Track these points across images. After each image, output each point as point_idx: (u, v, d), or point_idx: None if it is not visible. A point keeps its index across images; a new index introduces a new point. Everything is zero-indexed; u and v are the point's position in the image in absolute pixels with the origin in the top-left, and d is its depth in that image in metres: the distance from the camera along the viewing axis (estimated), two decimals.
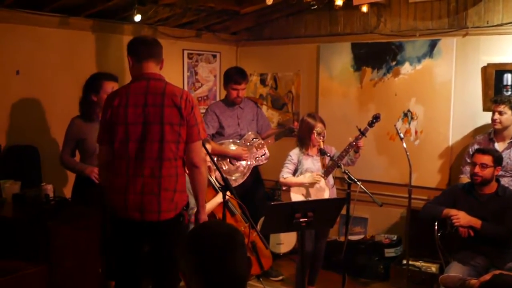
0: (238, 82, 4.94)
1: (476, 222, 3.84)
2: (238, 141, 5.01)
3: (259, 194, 5.25)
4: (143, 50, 3.09)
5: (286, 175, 4.32)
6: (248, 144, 5.03)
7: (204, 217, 3.26)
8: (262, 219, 4.31)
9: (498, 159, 3.93)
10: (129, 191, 2.99)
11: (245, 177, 4.95)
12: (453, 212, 3.95)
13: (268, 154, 5.09)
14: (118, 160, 3.02)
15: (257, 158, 5.05)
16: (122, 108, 3.00)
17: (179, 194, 3.08)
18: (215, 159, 4.78)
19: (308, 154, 4.34)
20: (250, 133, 5.08)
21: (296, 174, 4.34)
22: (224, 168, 4.87)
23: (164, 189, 3.02)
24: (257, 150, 5.03)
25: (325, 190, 4.30)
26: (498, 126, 4.46)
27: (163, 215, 3.02)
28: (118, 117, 2.99)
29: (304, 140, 4.34)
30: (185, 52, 5.74)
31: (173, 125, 2.99)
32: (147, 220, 3.00)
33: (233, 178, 4.87)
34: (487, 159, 3.89)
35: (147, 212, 2.99)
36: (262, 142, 5.06)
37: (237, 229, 1.78)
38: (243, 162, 4.98)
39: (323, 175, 4.24)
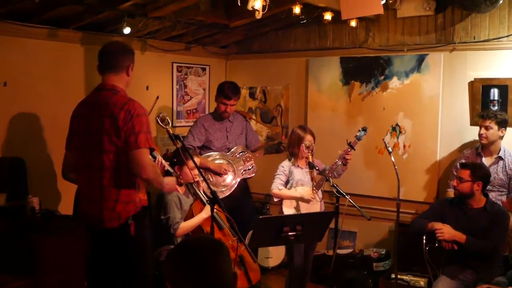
0: (229, 97, 4.94)
1: (461, 237, 3.83)
2: (225, 154, 5.00)
3: (248, 207, 5.23)
4: (104, 61, 3.18)
5: (280, 187, 4.31)
6: (236, 157, 5.02)
7: (171, 188, 3.31)
8: (250, 232, 4.29)
9: (477, 174, 3.89)
10: (83, 198, 3.16)
11: (232, 190, 4.94)
12: (437, 225, 3.95)
13: (256, 167, 5.09)
14: (77, 168, 3.19)
15: (245, 171, 5.04)
16: (75, 118, 3.18)
17: (122, 204, 3.09)
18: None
19: (298, 166, 4.35)
20: (238, 146, 5.08)
21: (288, 186, 4.33)
22: (211, 180, 4.85)
23: (105, 199, 3.08)
24: (244, 163, 5.03)
25: (317, 204, 4.29)
26: (484, 141, 4.49)
27: (107, 224, 3.08)
28: (73, 126, 3.18)
29: (293, 151, 4.35)
30: (175, 65, 5.74)
31: (111, 136, 3.03)
32: (95, 228, 3.11)
33: (219, 189, 4.86)
34: (464, 173, 3.91)
35: (94, 220, 3.10)
36: (250, 155, 5.06)
37: (222, 242, 1.82)
38: (230, 175, 4.96)
39: (315, 189, 4.25)
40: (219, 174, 4.90)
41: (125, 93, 3.19)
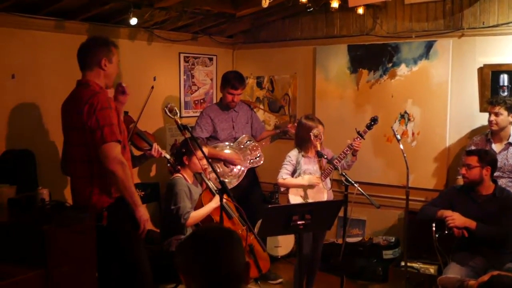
0: (235, 87, 4.96)
1: (471, 223, 3.83)
2: (232, 144, 5.03)
3: (256, 196, 5.26)
4: (79, 60, 3.31)
5: (285, 176, 4.30)
6: (242, 146, 5.04)
7: (141, 215, 3.25)
8: (259, 222, 4.30)
9: (485, 159, 3.90)
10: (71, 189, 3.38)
11: (240, 179, 4.96)
12: (447, 213, 3.94)
13: (263, 156, 5.11)
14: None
15: (252, 161, 5.07)
16: (61, 113, 3.35)
17: (96, 196, 3.20)
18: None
19: (307, 156, 4.33)
20: (244, 135, 5.10)
21: (295, 176, 4.32)
22: (219, 171, 4.87)
23: (79, 190, 3.26)
24: (251, 153, 5.06)
25: (324, 192, 4.28)
26: (494, 128, 4.46)
27: None
28: (62, 124, 3.35)
29: (303, 142, 4.33)
30: (181, 56, 5.73)
31: (78, 130, 3.16)
32: None
33: (227, 180, 4.87)
34: (471, 159, 3.90)
35: None
36: (256, 144, 5.09)
37: (234, 231, 1.82)
38: (238, 166, 4.98)
39: (322, 177, 4.23)
40: (231, 163, 4.92)
41: (99, 87, 3.24)
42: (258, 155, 5.08)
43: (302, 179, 4.26)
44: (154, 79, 5.40)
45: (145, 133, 4.43)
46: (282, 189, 4.42)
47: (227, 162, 4.95)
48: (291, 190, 4.31)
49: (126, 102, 3.60)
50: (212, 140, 5.03)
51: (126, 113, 4.26)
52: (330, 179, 4.39)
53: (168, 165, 4.39)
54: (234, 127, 5.10)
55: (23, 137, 4.28)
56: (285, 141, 5.13)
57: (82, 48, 3.30)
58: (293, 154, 4.36)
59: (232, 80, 4.96)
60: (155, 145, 4.30)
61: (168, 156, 4.32)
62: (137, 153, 4.45)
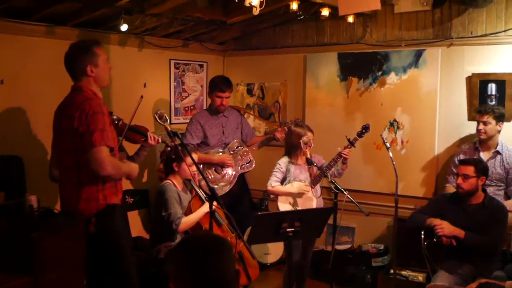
0: (223, 90, 5.00)
1: (460, 232, 3.85)
2: (222, 150, 5.04)
3: (245, 202, 5.29)
4: (67, 70, 3.28)
5: (274, 184, 4.30)
6: (233, 152, 5.05)
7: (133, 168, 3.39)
8: (249, 229, 4.29)
9: (481, 169, 3.93)
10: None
11: (231, 185, 4.97)
12: (436, 221, 3.96)
13: (254, 161, 5.14)
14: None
15: (243, 166, 5.09)
16: (54, 118, 3.32)
17: (84, 202, 3.17)
18: (201, 167, 4.82)
19: (297, 164, 4.33)
20: (234, 141, 5.13)
21: (284, 183, 4.33)
22: (210, 177, 4.89)
23: (67, 196, 3.24)
24: (242, 158, 5.08)
25: (313, 200, 4.29)
26: (483, 136, 4.49)
27: None
28: (53, 126, 3.33)
29: (292, 150, 4.33)
30: (172, 62, 5.73)
31: (69, 135, 3.14)
32: None
33: (219, 186, 4.88)
34: (469, 169, 3.90)
35: None
36: (247, 149, 5.11)
37: (225, 238, 1.82)
38: (229, 171, 4.99)
39: (311, 185, 4.24)
40: (223, 166, 4.95)
41: (93, 93, 3.22)
42: (249, 160, 5.11)
43: (291, 186, 4.27)
44: (145, 85, 5.39)
45: (136, 126, 4.39)
46: (271, 196, 4.41)
47: (219, 166, 4.98)
48: (280, 198, 4.31)
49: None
50: (203, 146, 5.04)
51: (111, 113, 4.21)
52: (320, 186, 4.40)
53: (168, 148, 4.30)
54: (224, 132, 5.11)
55: (12, 142, 4.25)
56: (275, 148, 5.14)
57: (66, 59, 3.26)
58: (283, 161, 4.37)
59: (219, 84, 5.02)
60: (149, 134, 4.23)
61: (167, 141, 4.18)
62: (130, 149, 4.41)
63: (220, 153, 5.01)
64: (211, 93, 5.08)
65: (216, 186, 4.84)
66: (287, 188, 4.28)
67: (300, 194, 4.26)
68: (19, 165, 4.19)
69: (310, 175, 4.25)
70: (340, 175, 4.36)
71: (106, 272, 3.28)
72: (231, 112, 5.28)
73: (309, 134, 4.26)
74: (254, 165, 5.15)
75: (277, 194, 4.32)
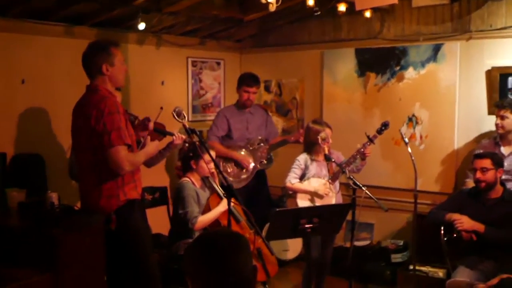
0: (250, 85, 5.16)
1: (480, 227, 3.83)
2: (243, 145, 5.17)
3: (263, 197, 5.40)
4: (84, 69, 3.32)
5: (293, 181, 4.29)
6: (253, 148, 5.14)
7: (154, 147, 3.48)
8: (267, 225, 4.30)
9: (497, 161, 3.91)
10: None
11: (249, 180, 5.09)
12: (456, 216, 3.93)
13: (273, 159, 5.26)
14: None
15: (261, 163, 5.20)
16: (72, 117, 3.35)
17: (105, 199, 3.21)
18: (221, 163, 4.90)
19: (316, 160, 4.33)
20: (256, 138, 5.24)
21: (303, 179, 4.32)
22: (229, 171, 5.02)
23: (89, 195, 3.27)
24: (261, 155, 5.18)
25: (332, 196, 4.28)
26: (501, 131, 4.45)
27: None
28: (72, 128, 3.36)
29: (311, 146, 4.32)
30: (189, 60, 5.76)
31: (86, 134, 3.17)
32: None
33: (240, 179, 4.98)
34: (486, 162, 3.88)
35: None
36: (267, 147, 5.23)
37: (242, 235, 1.81)
38: (251, 165, 5.09)
39: (330, 181, 4.23)
40: (241, 166, 5.08)
41: (108, 92, 3.26)
42: (268, 157, 5.20)
43: (309, 184, 4.26)
44: (162, 83, 5.43)
45: (156, 126, 4.42)
46: (289, 192, 4.42)
47: (237, 163, 5.11)
48: (299, 195, 4.31)
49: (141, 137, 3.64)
50: (226, 139, 5.20)
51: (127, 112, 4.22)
52: (338, 182, 4.39)
53: (186, 145, 4.29)
54: (248, 128, 5.25)
55: (33, 141, 4.31)
56: (294, 145, 5.14)
57: (83, 57, 3.31)
58: (302, 158, 4.36)
59: (246, 79, 5.20)
60: (177, 134, 4.26)
61: (191, 139, 4.12)
62: None
63: (243, 152, 5.11)
64: (239, 88, 5.24)
65: (234, 179, 5.00)
66: (306, 186, 4.27)
67: (319, 194, 4.25)
68: (40, 163, 4.25)
69: (329, 171, 4.24)
70: (359, 171, 4.34)
71: (128, 269, 3.32)
72: (257, 109, 5.42)
73: (328, 130, 4.24)
74: (272, 163, 5.24)
75: (295, 191, 4.32)
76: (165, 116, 5.40)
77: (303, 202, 4.27)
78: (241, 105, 5.26)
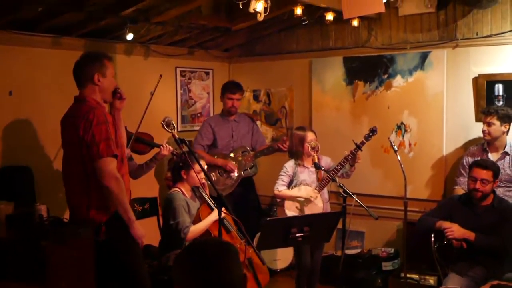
0: (233, 92, 5.20)
1: (470, 235, 3.84)
2: (228, 153, 5.17)
3: (250, 205, 5.38)
4: (74, 77, 3.31)
5: (281, 188, 4.31)
6: (238, 156, 5.17)
7: (136, 232, 3.23)
8: (258, 234, 4.29)
9: (497, 173, 3.93)
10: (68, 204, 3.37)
11: (233, 188, 5.09)
12: (446, 224, 3.94)
13: (257, 167, 5.29)
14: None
15: (246, 171, 5.19)
16: (60, 129, 3.34)
17: (94, 210, 3.19)
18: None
19: (303, 166, 4.34)
20: (240, 146, 5.25)
21: (291, 186, 4.33)
22: (213, 179, 4.99)
23: (77, 205, 3.25)
24: (245, 163, 5.18)
25: (320, 204, 4.28)
26: (487, 137, 4.48)
27: None
28: (62, 139, 3.35)
29: (297, 153, 4.35)
30: (178, 70, 5.75)
31: (75, 145, 3.15)
32: None
33: (221, 189, 4.97)
34: (487, 174, 3.87)
35: None
36: (251, 155, 5.20)
37: (231, 243, 1.81)
38: (234, 174, 5.06)
39: (317, 189, 4.24)
40: (226, 170, 5.09)
41: (96, 102, 3.24)
42: (252, 165, 5.21)
43: (298, 190, 4.27)
44: (151, 93, 5.40)
45: (143, 136, 4.43)
46: (278, 200, 4.43)
47: (222, 169, 5.12)
48: (286, 203, 4.32)
49: (122, 108, 3.52)
50: (212, 148, 5.23)
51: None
52: (328, 191, 4.39)
53: (175, 157, 4.35)
54: (233, 136, 5.28)
55: (21, 153, 4.27)
56: (282, 153, 5.13)
57: (76, 65, 3.31)
58: (290, 165, 4.38)
59: (229, 86, 5.27)
60: (165, 144, 4.32)
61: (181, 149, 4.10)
62: (138, 159, 4.44)
63: (224, 157, 5.14)
64: (223, 96, 5.28)
65: (219, 188, 4.94)
66: (294, 192, 4.28)
67: (307, 199, 4.25)
68: (28, 175, 4.21)
69: (318, 178, 4.25)
70: (349, 176, 4.37)
71: (118, 280, 3.29)
72: (243, 118, 5.45)
73: (310, 133, 4.29)
74: (257, 171, 5.26)
75: (283, 198, 4.33)
76: (154, 126, 5.40)
77: (290, 211, 4.29)
78: (226, 113, 5.30)
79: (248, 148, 5.26)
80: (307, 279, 4.33)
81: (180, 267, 1.71)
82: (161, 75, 4.32)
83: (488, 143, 4.54)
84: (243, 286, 1.73)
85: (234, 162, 5.14)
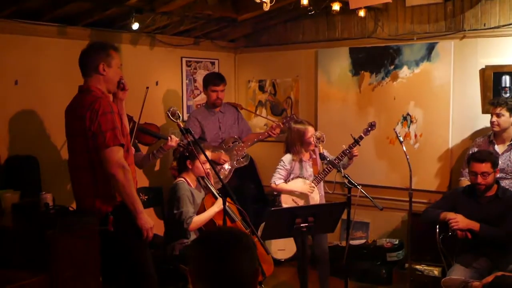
0: (217, 83, 5.15)
1: (475, 225, 3.83)
2: (218, 146, 5.14)
3: (248, 193, 5.37)
4: (80, 67, 3.31)
5: (278, 182, 4.34)
6: (229, 147, 5.15)
7: (143, 222, 3.22)
8: (262, 224, 4.30)
9: (495, 161, 3.92)
10: (74, 195, 3.38)
11: (227, 180, 5.04)
12: (451, 215, 3.94)
13: (249, 156, 5.27)
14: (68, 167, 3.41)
15: (238, 160, 5.18)
16: (65, 119, 3.33)
17: (100, 200, 3.20)
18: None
19: (301, 160, 4.35)
20: (230, 137, 5.24)
21: (288, 180, 4.35)
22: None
23: (83, 196, 3.27)
24: (237, 153, 5.16)
25: (316, 198, 4.30)
26: (496, 129, 4.46)
27: None
28: (66, 129, 3.34)
29: (295, 147, 4.34)
30: (184, 60, 5.75)
31: (81, 136, 3.16)
32: None
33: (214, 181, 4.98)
34: (486, 166, 3.86)
35: None
36: (242, 145, 5.19)
37: (247, 234, 1.76)
38: (225, 166, 5.06)
39: (314, 182, 4.26)
40: (218, 163, 5.01)
41: (101, 92, 3.25)
42: (244, 155, 5.18)
43: (295, 184, 4.29)
44: (157, 83, 5.41)
45: (150, 127, 4.45)
46: (274, 193, 4.45)
47: (214, 163, 5.05)
48: (283, 196, 4.38)
49: (125, 98, 3.52)
50: (201, 141, 5.11)
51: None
52: (333, 181, 4.39)
53: (181, 149, 4.39)
54: (221, 128, 5.25)
55: (27, 142, 4.29)
56: (279, 145, 5.12)
57: (82, 55, 3.31)
58: (287, 158, 4.39)
59: (212, 78, 5.20)
60: (172, 136, 4.35)
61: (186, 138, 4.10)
62: (144, 149, 4.46)
63: (213, 149, 5.08)
64: (206, 89, 5.23)
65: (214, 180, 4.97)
66: (291, 186, 4.30)
67: (303, 193, 4.27)
68: (34, 165, 4.23)
69: (314, 171, 4.27)
70: (345, 168, 4.37)
71: (124, 269, 3.31)
72: (228, 108, 5.41)
73: (310, 128, 4.29)
74: (248, 161, 5.25)
75: (280, 192, 4.35)
76: (160, 116, 5.41)
77: (286, 204, 4.31)
78: (211, 105, 5.23)
79: (237, 138, 5.25)
80: (319, 269, 4.34)
81: (193, 255, 1.69)
82: (147, 87, 4.35)
83: (495, 134, 4.52)
84: (254, 280, 1.69)
85: (226, 157, 5.07)
